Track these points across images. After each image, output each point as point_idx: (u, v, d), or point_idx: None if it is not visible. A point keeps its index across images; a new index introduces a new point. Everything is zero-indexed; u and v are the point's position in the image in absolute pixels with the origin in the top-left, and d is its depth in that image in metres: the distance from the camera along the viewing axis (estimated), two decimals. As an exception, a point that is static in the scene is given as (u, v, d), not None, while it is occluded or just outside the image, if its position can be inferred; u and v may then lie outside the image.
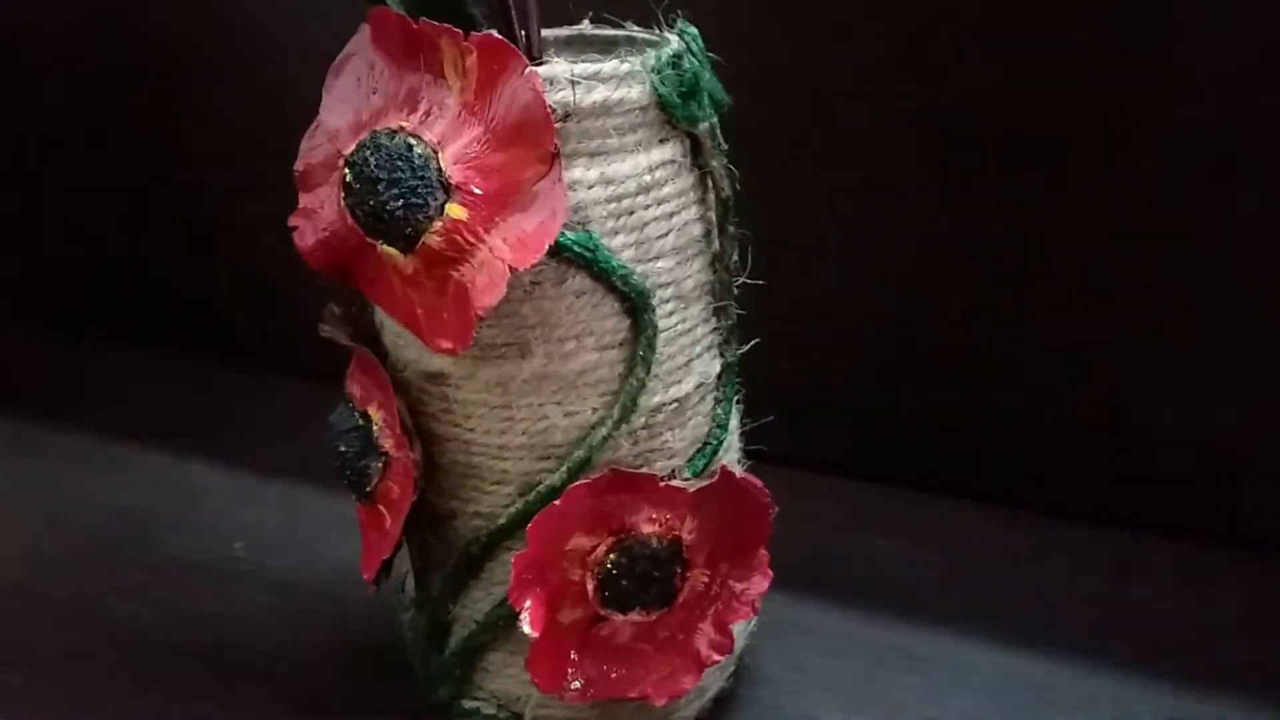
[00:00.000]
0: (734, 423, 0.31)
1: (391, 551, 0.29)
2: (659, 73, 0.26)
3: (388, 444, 0.29)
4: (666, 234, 0.27)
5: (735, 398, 0.31)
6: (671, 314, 0.28)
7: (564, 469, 0.28)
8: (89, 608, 0.42)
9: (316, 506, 0.49)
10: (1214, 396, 0.41)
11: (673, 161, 0.27)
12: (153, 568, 0.45)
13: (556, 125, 0.24)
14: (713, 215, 0.29)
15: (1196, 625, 0.38)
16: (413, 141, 0.24)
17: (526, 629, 0.27)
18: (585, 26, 0.32)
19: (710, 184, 0.28)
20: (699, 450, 0.30)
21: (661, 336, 0.28)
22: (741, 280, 0.30)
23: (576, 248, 0.26)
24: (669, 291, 0.28)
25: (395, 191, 0.24)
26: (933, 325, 0.44)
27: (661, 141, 0.27)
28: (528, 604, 0.27)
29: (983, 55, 0.41)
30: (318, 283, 0.57)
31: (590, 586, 0.28)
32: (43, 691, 0.38)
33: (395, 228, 0.25)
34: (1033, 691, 0.35)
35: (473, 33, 0.24)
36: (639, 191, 0.27)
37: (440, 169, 0.24)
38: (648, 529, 0.28)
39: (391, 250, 0.25)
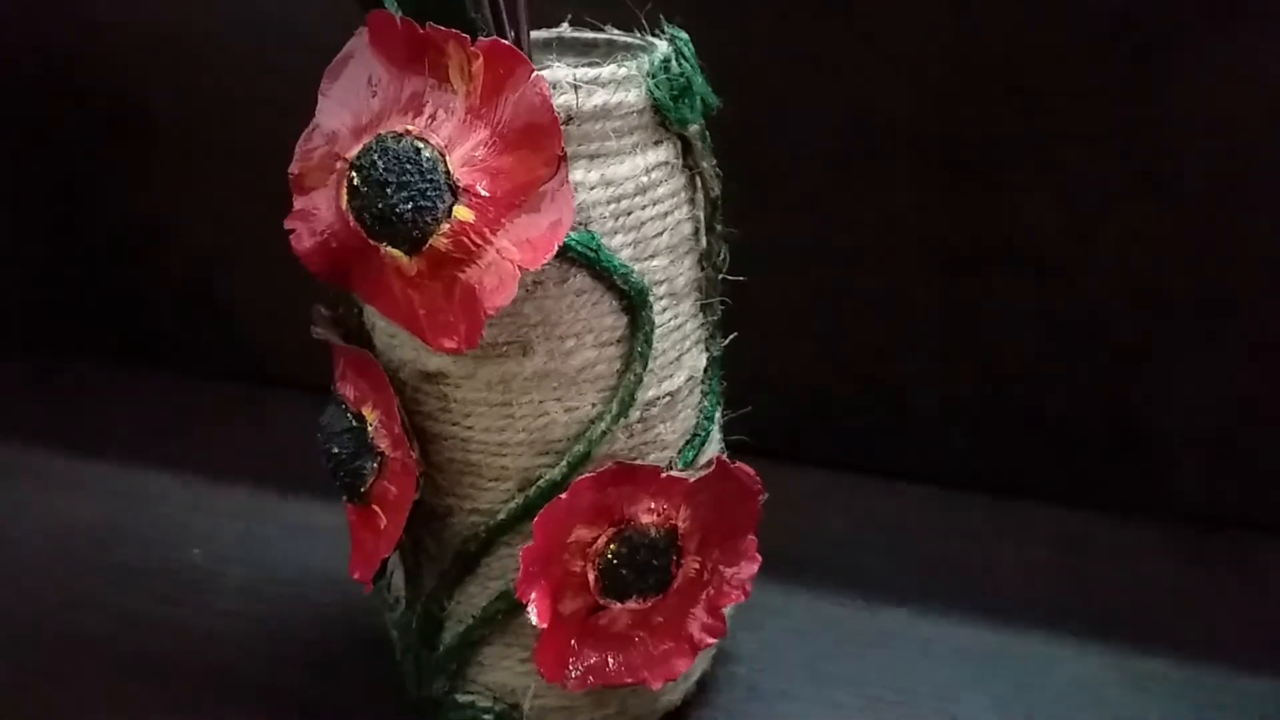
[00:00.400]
0: (716, 414, 0.33)
1: (391, 550, 0.29)
2: (654, 77, 0.27)
3: (383, 444, 0.29)
4: (661, 233, 0.28)
5: (719, 390, 0.32)
6: (665, 310, 0.29)
7: (564, 463, 0.29)
8: (50, 623, 0.41)
9: (273, 511, 0.48)
10: (1141, 379, 0.44)
11: (667, 163, 0.28)
12: (112, 579, 0.44)
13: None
14: (701, 214, 0.30)
15: (1137, 593, 0.40)
16: (420, 145, 0.25)
17: (534, 620, 0.28)
18: (564, 29, 0.33)
19: (699, 184, 0.29)
20: (688, 441, 0.31)
21: (655, 332, 0.28)
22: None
23: (579, 247, 0.26)
24: (663, 289, 0.29)
25: (405, 194, 0.24)
26: (878, 315, 0.46)
27: (656, 143, 0.28)
28: (533, 596, 0.28)
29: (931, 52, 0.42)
30: (260, 288, 0.56)
31: (591, 577, 0.29)
32: (11, 710, 0.37)
33: (403, 230, 0.25)
34: (993, 658, 0.37)
35: (479, 38, 0.25)
36: (637, 192, 0.27)
37: (448, 172, 0.25)
38: (646, 519, 0.29)
39: (396, 252, 0.25)
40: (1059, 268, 0.43)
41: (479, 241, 0.25)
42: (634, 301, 0.28)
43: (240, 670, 0.39)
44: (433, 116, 0.25)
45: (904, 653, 0.38)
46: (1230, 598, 0.40)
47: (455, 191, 0.25)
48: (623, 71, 0.27)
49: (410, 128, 0.25)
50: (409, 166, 0.24)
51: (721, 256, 0.30)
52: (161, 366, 0.60)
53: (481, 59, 0.24)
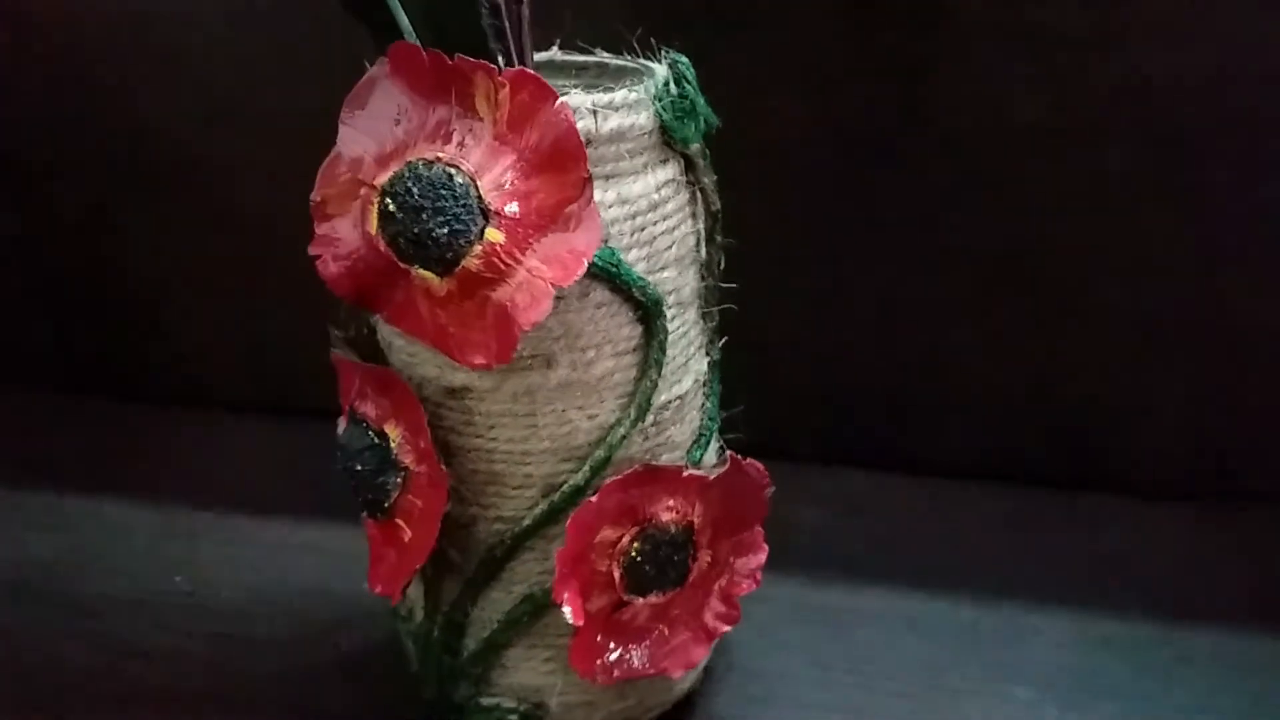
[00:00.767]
0: (717, 414, 0.34)
1: (424, 561, 0.30)
2: (661, 100, 0.29)
3: (408, 459, 0.30)
4: (670, 246, 0.30)
5: (719, 392, 0.34)
6: (674, 319, 0.30)
7: (586, 468, 0.30)
8: (38, 659, 0.40)
9: (248, 533, 0.48)
10: (1106, 368, 0.47)
11: (673, 180, 0.30)
12: (93, 612, 0.43)
13: (582, 152, 0.26)
14: (702, 227, 0.31)
15: (1091, 564, 0.44)
16: (452, 170, 0.26)
17: (570, 619, 0.29)
18: (555, 53, 0.34)
19: (701, 199, 0.31)
20: (695, 441, 0.33)
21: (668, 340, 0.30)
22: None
23: (601, 263, 0.28)
24: (672, 298, 0.30)
25: (441, 219, 0.25)
26: (843, 312, 0.49)
27: (663, 162, 0.30)
28: (566, 596, 0.29)
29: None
30: (206, 313, 0.55)
31: (616, 575, 0.30)
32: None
33: (437, 253, 0.26)
34: (971, 632, 0.40)
35: (505, 67, 0.26)
36: (649, 209, 0.29)
37: (480, 196, 0.26)
38: (666, 517, 0.30)
39: (427, 274, 0.27)
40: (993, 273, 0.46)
41: (509, 262, 0.26)
42: (649, 312, 0.29)
43: (243, 692, 0.39)
44: (461, 143, 0.26)
45: (890, 630, 0.40)
46: (1178, 563, 0.44)
47: (486, 214, 0.26)
48: (633, 96, 0.28)
49: (441, 154, 0.26)
50: (443, 192, 0.26)
51: (720, 266, 0.32)
52: (101, 392, 0.59)
53: (508, 87, 0.26)
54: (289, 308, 0.56)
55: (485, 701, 0.33)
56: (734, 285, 0.34)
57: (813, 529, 0.46)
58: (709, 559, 0.32)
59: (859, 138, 0.46)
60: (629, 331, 0.29)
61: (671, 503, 0.30)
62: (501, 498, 0.31)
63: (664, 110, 0.29)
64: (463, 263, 0.26)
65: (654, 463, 0.30)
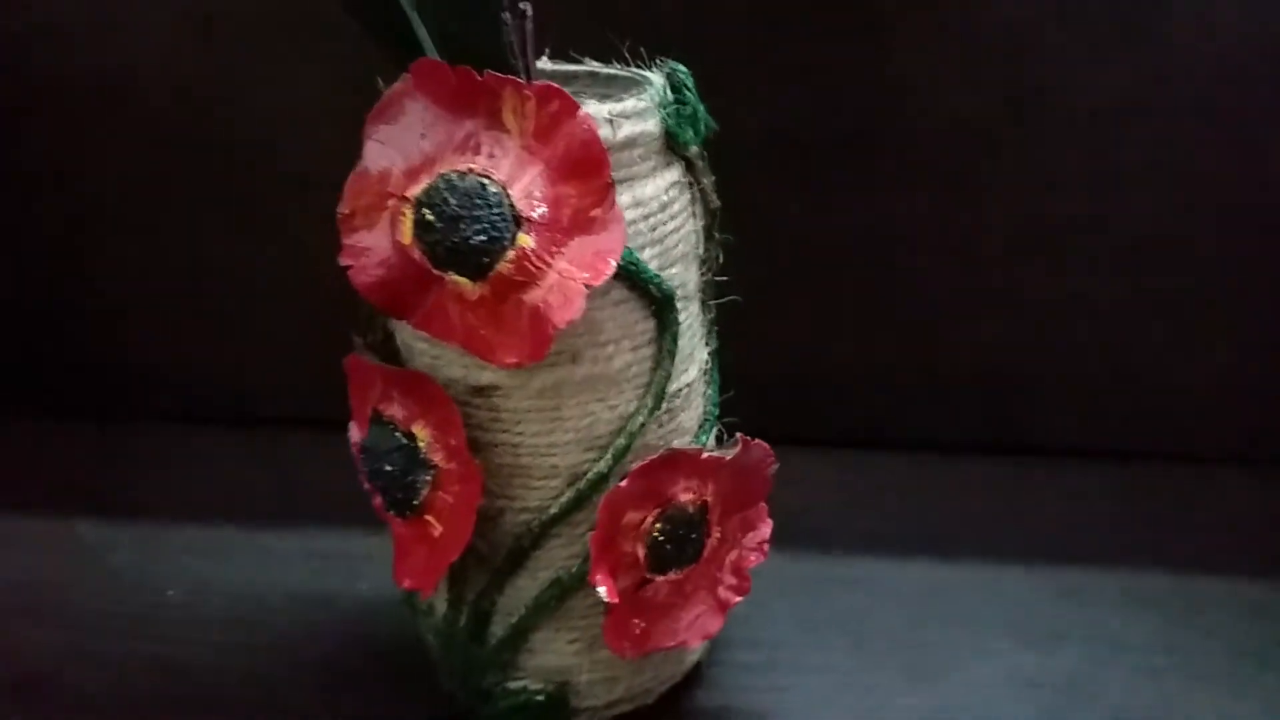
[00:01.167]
0: (717, 399, 0.36)
1: (460, 554, 0.31)
2: (665, 108, 0.31)
3: (437, 457, 0.31)
4: (678, 244, 0.32)
5: (718, 379, 0.36)
6: (682, 311, 0.33)
7: (608, 456, 0.32)
8: (41, 679, 0.40)
9: (233, 544, 0.48)
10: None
11: (678, 182, 0.32)
12: (92, 630, 0.43)
13: (601, 158, 0.28)
14: (702, 225, 0.33)
15: (1043, 523, 0.47)
16: (485, 181, 0.27)
17: (606, 599, 0.31)
18: (544, 62, 0.35)
19: (701, 198, 0.33)
20: (701, 426, 0.35)
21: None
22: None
23: (623, 262, 0.30)
24: (679, 292, 0.32)
25: (478, 227, 0.27)
26: (785, 298, 0.51)
27: (668, 165, 0.32)
28: (599, 577, 0.31)
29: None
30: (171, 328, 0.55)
31: (641, 554, 0.32)
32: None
33: (473, 259, 0.27)
34: (949, 589, 0.43)
35: (531, 81, 0.27)
36: (660, 209, 0.31)
37: (511, 204, 0.27)
38: (684, 498, 0.32)
39: (461, 279, 0.28)
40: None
41: (541, 265, 0.28)
42: (663, 306, 0.31)
43: (254, 697, 0.39)
44: (490, 154, 0.28)
45: (873, 596, 0.43)
46: (1123, 519, 0.48)
47: (518, 221, 0.28)
48: (642, 105, 0.30)
49: (473, 166, 0.27)
50: (478, 201, 0.27)
51: (719, 260, 0.34)
52: (61, 414, 0.58)
53: (535, 101, 0.27)
54: (253, 320, 0.56)
55: (512, 685, 0.35)
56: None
57: (786, 507, 0.49)
58: (720, 535, 0.34)
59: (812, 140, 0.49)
60: (644, 325, 0.31)
61: (688, 484, 0.32)
62: (528, 489, 0.32)
63: (668, 117, 0.31)
64: (496, 268, 0.28)
65: (675, 447, 0.32)
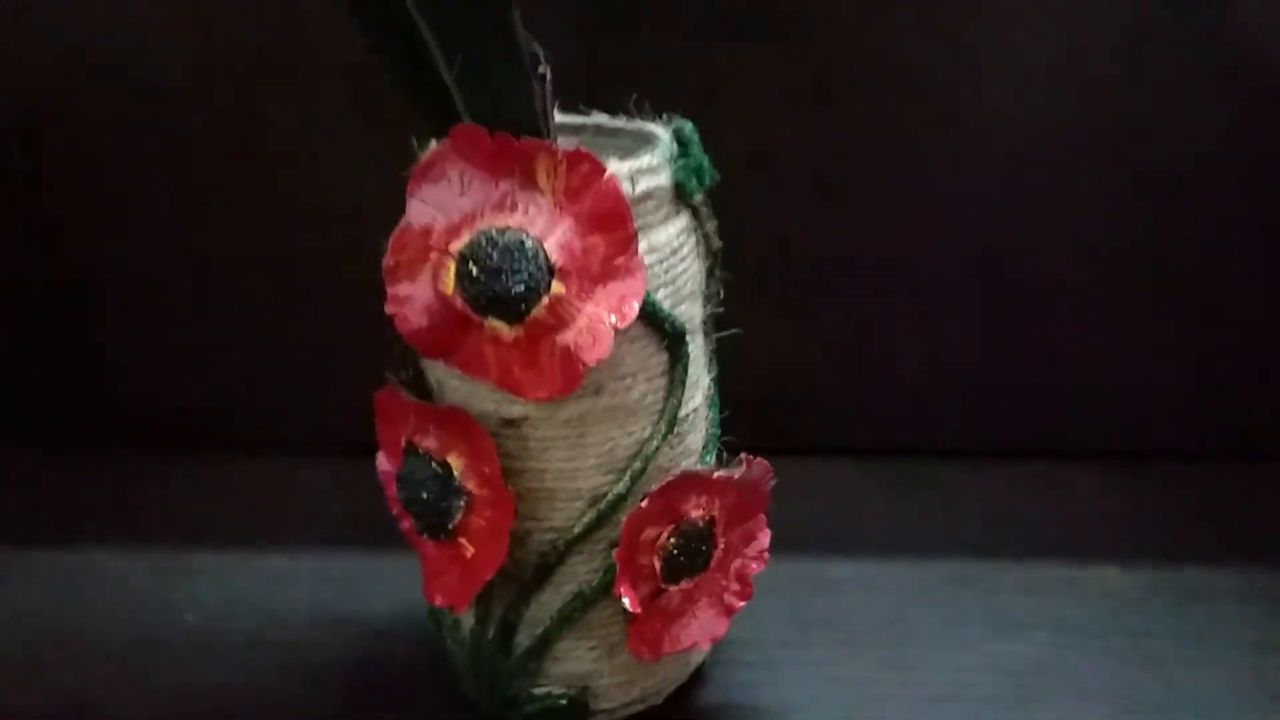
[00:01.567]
0: (719, 420, 0.40)
1: (494, 574, 0.34)
2: (675, 162, 0.34)
3: (470, 484, 0.34)
4: (687, 283, 0.35)
5: (719, 403, 0.40)
6: (690, 344, 0.36)
7: (626, 478, 0.35)
8: (70, 711, 0.42)
9: (245, 567, 0.50)
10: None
11: (686, 228, 0.35)
12: (116, 657, 0.45)
13: (622, 212, 0.31)
14: (704, 265, 0.37)
15: (1007, 523, 0.52)
16: (523, 236, 0.30)
17: (630, 609, 0.34)
18: (555, 115, 0.38)
19: (704, 240, 0.36)
20: (705, 446, 0.38)
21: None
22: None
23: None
24: (688, 326, 0.36)
25: (518, 278, 0.30)
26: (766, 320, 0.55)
27: (677, 213, 0.35)
28: (624, 589, 0.34)
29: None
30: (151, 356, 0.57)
31: (657, 566, 0.35)
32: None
33: (513, 307, 0.30)
34: (923, 589, 0.47)
35: (561, 145, 0.30)
36: (671, 253, 0.34)
37: (546, 256, 0.30)
38: (695, 514, 0.36)
39: (499, 324, 0.31)
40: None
41: (572, 310, 0.31)
42: (675, 340, 0.35)
43: (283, 715, 0.42)
44: (526, 211, 0.31)
45: (856, 594, 0.47)
46: (1076, 517, 0.52)
47: (552, 271, 0.31)
48: (655, 161, 0.33)
49: (510, 222, 0.30)
50: (517, 255, 0.30)
51: (720, 295, 0.38)
52: (68, 445, 0.60)
53: (565, 163, 0.30)
54: (250, 346, 0.58)
55: (537, 691, 0.38)
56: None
57: (772, 514, 0.52)
58: (725, 546, 0.38)
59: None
60: (658, 359, 0.35)
61: (699, 501, 0.36)
62: (553, 510, 0.35)
63: (678, 172, 0.34)
64: (533, 313, 0.31)
65: (690, 469, 0.35)
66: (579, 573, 0.36)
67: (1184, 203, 0.53)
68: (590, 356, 0.31)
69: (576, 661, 0.37)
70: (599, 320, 0.31)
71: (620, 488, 0.35)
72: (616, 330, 0.31)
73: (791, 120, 0.52)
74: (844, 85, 0.51)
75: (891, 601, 0.46)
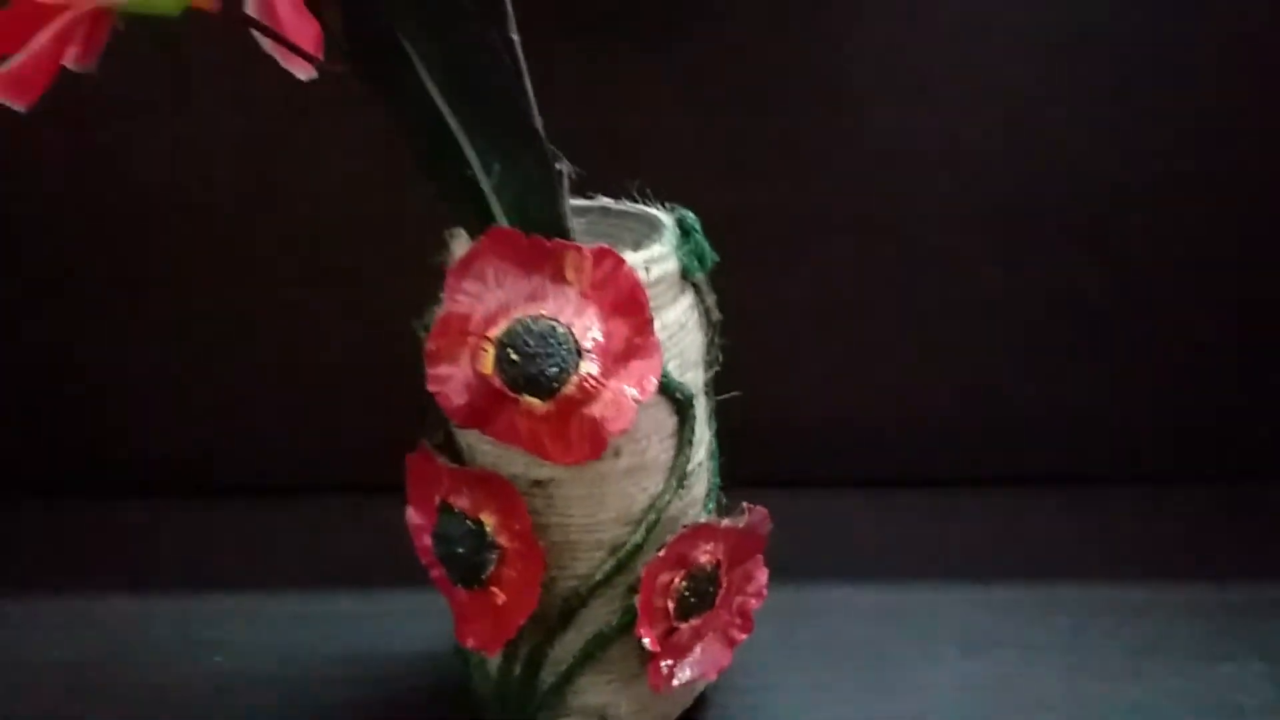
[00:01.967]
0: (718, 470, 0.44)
1: (527, 618, 0.38)
2: (680, 249, 0.38)
3: (503, 539, 0.38)
4: (692, 353, 0.39)
5: (718, 455, 0.44)
6: (696, 407, 0.40)
7: (642, 529, 0.39)
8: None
9: (267, 608, 0.53)
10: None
11: (691, 304, 0.39)
12: (143, 702, 0.47)
13: (639, 298, 0.35)
14: (706, 335, 0.41)
15: (978, 548, 0.56)
16: (555, 324, 0.34)
17: (649, 648, 0.38)
18: (565, 198, 0.42)
19: (705, 314, 0.41)
20: (707, 494, 0.42)
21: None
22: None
23: (657, 376, 0.37)
24: (693, 391, 0.40)
25: (552, 361, 0.34)
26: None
27: (683, 292, 0.39)
28: (644, 630, 0.38)
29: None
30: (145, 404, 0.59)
31: (671, 608, 0.39)
32: None
33: (547, 386, 0.34)
34: (898, 612, 0.52)
35: (584, 246, 0.34)
36: (679, 329, 0.38)
37: (576, 340, 0.34)
38: (704, 559, 0.40)
39: (533, 400, 0.35)
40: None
41: (598, 386, 0.35)
42: (683, 405, 0.39)
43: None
44: (555, 300, 0.35)
45: (839, 619, 0.51)
46: (1041, 542, 0.57)
47: (580, 353, 0.35)
48: (664, 250, 0.38)
49: (543, 311, 0.34)
50: (551, 341, 0.34)
51: (720, 360, 0.42)
52: (79, 492, 0.62)
53: (590, 260, 0.34)
54: (258, 393, 0.61)
55: (559, 722, 0.42)
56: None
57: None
58: (728, 585, 0.42)
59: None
60: (669, 422, 0.39)
61: (707, 547, 0.40)
62: (576, 560, 0.39)
63: (683, 257, 0.38)
64: (563, 390, 0.35)
65: (703, 521, 0.39)
66: (600, 615, 0.40)
67: (1143, 226, 0.57)
68: (615, 428, 0.35)
69: (595, 693, 0.41)
70: (622, 395, 0.35)
71: (637, 538, 0.39)
72: (638, 403, 0.35)
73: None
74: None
75: (871, 625, 0.51)
